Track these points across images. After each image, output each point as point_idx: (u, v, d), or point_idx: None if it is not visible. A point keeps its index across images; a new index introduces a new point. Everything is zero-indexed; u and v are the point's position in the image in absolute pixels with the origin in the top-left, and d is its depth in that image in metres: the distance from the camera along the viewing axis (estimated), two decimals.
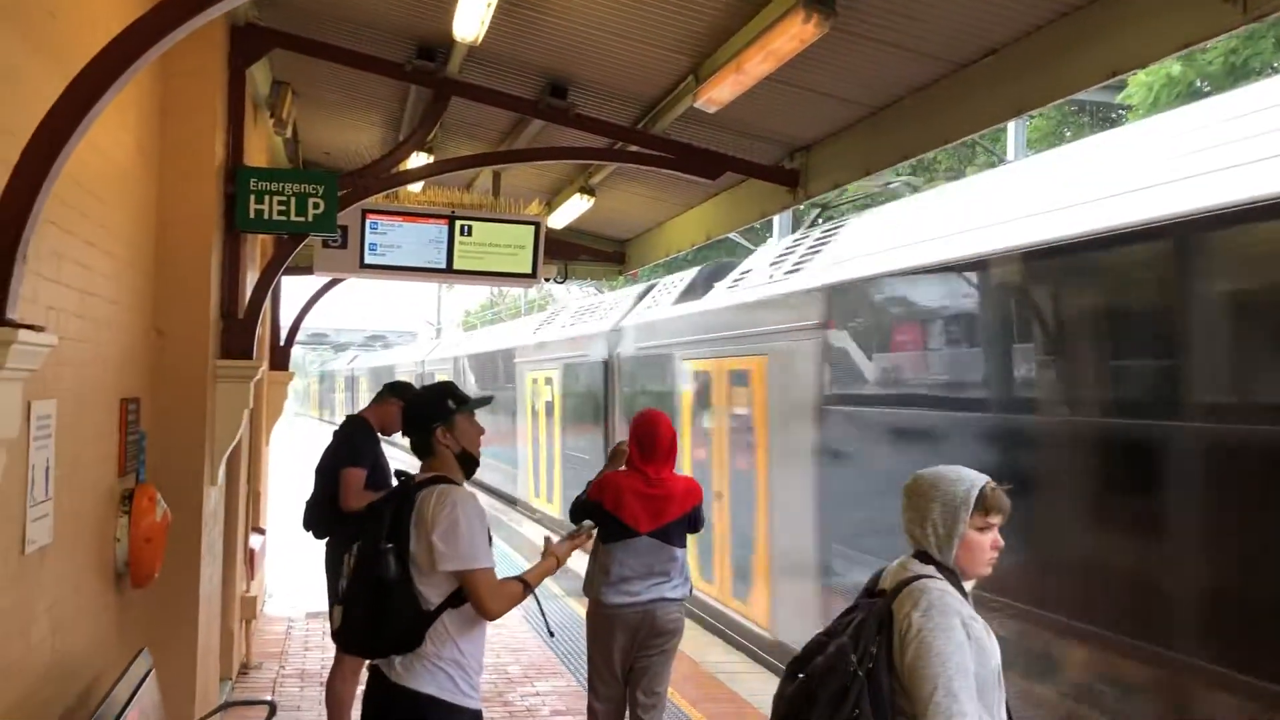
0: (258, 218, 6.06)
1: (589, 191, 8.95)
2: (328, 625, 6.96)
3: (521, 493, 20.03)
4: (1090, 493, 5.58)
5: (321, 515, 6.61)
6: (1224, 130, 5.25)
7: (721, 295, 10.45)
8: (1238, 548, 4.74)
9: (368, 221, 7.35)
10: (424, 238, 7.43)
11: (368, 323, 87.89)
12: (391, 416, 6.69)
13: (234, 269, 6.20)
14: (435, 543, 3.83)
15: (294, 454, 23.34)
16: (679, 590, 5.75)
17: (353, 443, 6.58)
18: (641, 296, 14.42)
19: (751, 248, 24.17)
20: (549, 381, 17.88)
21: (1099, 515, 5.51)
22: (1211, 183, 4.98)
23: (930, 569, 3.28)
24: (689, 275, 12.40)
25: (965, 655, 3.09)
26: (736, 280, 10.45)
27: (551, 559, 4.37)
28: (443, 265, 7.44)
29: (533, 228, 7.94)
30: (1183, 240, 5.05)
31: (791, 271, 9.16)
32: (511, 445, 20.50)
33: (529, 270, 8.05)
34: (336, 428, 6.89)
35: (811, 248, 9.25)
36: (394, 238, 7.35)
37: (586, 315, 16.84)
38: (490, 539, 4.00)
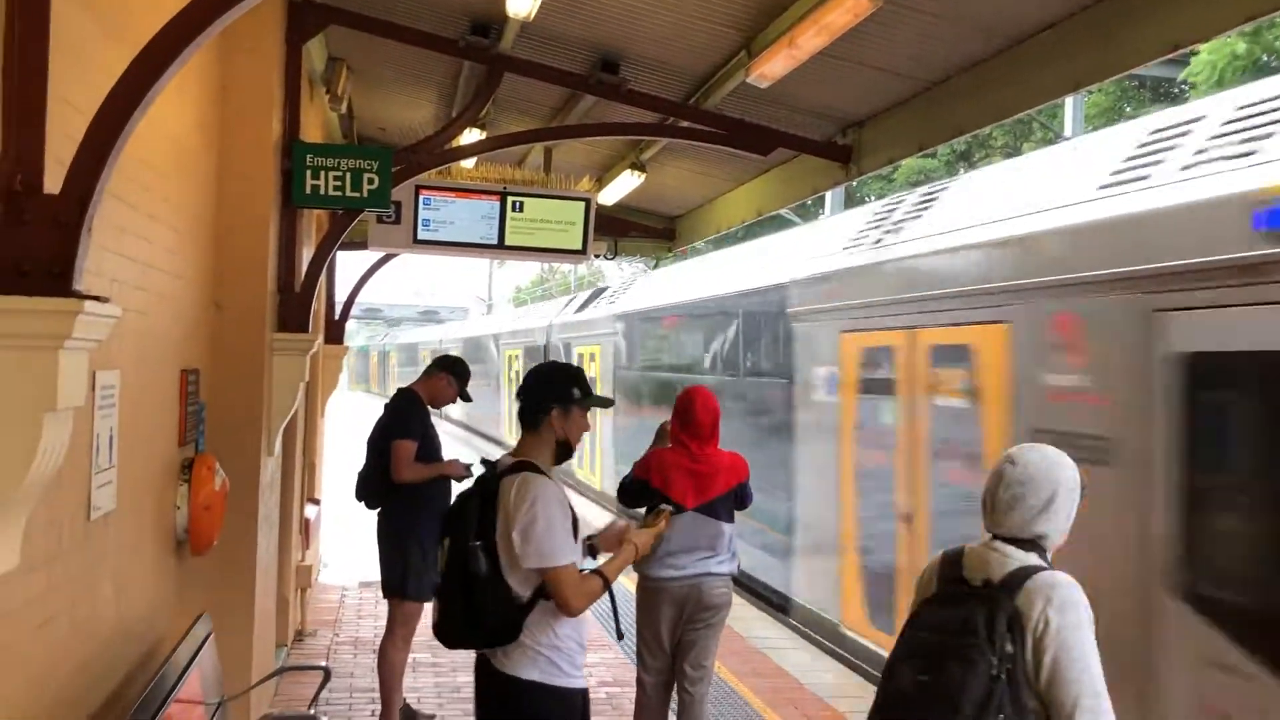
0: (314, 193, 6.14)
1: (640, 168, 8.97)
2: (379, 594, 7.06)
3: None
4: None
5: (373, 487, 6.71)
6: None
7: (587, 311, 19.60)
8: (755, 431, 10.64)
9: (421, 197, 7.43)
10: (476, 214, 7.50)
11: (420, 298, 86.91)
12: (440, 390, 6.80)
13: (290, 244, 6.28)
14: (515, 539, 3.79)
15: (347, 426, 23.53)
16: (726, 565, 5.80)
17: (403, 416, 6.68)
18: (567, 304, 23.00)
19: (800, 223, 24.74)
20: (516, 358, 26.26)
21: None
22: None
23: (1035, 557, 3.11)
24: (585, 295, 21.74)
25: (1097, 653, 2.99)
26: (596, 302, 19.59)
27: (630, 548, 4.22)
28: (494, 241, 7.52)
29: (583, 204, 7.98)
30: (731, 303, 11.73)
31: (610, 302, 18.42)
32: (494, 409, 29.03)
33: (579, 246, 8.10)
34: (387, 401, 6.99)
35: (616, 291, 18.81)
36: (447, 213, 7.44)
37: (534, 313, 26.74)
38: (576, 527, 3.94)
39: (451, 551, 3.87)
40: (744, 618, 10.04)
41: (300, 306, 6.23)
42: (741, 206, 9.28)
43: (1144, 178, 5.91)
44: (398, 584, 6.72)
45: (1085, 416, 5.85)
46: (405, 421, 6.62)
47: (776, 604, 10.43)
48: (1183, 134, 5.98)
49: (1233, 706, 4.88)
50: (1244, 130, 5.49)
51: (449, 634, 3.93)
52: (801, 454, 9.76)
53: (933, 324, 7.53)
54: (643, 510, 5.67)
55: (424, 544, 6.61)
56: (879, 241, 8.59)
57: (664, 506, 4.82)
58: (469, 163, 8.33)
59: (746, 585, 11.02)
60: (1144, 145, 6.25)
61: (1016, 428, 6.50)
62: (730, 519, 5.85)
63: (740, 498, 5.88)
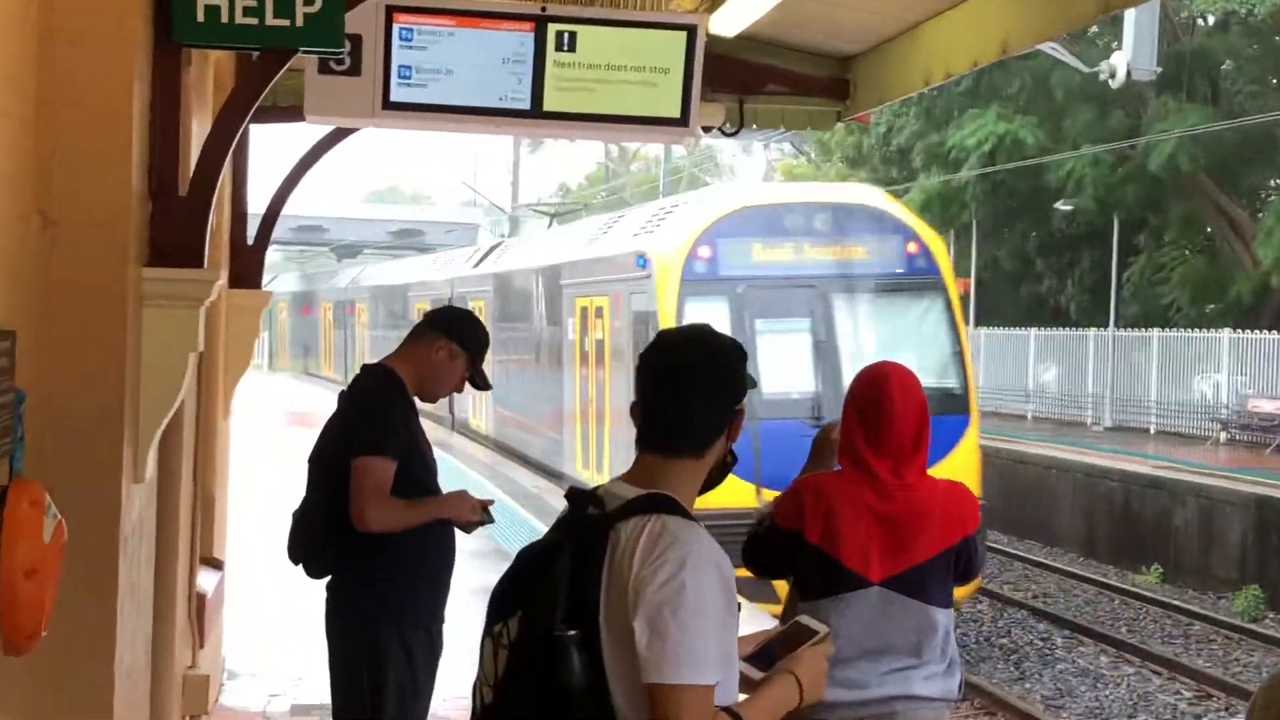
0: (210, 22, 3.51)
1: None
2: None
3: None
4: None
5: (319, 540, 4.15)
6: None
7: (476, 266, 25.27)
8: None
9: (396, 27, 4.42)
10: (493, 55, 4.54)
11: (396, 210, 63.16)
12: (437, 368, 4.24)
13: (170, 114, 3.70)
14: (640, 630, 2.30)
15: (274, 433, 18.15)
16: (938, 684, 3.42)
17: (371, 415, 4.11)
18: (474, 256, 27.13)
19: (1083, 68, 23.23)
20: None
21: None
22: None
23: None
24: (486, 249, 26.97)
25: None
26: (483, 259, 25.48)
27: (788, 682, 2.48)
28: (525, 104, 4.55)
29: (683, 36, 4.78)
30: (536, 275, 20.27)
31: (477, 265, 25.39)
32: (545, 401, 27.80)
33: (676, 113, 4.85)
34: (345, 389, 4.38)
35: (485, 254, 25.81)
36: (441, 55, 4.52)
37: (446, 264, 30.02)
38: (737, 621, 2.40)
39: (518, 650, 2.35)
40: None
41: (188, 222, 3.67)
42: (974, 37, 5.18)
43: (605, 236, 17.58)
44: (364, 715, 4.10)
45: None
46: (375, 425, 4.07)
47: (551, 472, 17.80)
48: (620, 220, 17.96)
49: None
50: (645, 220, 16.51)
51: None
52: (566, 372, 17.89)
53: (586, 293, 16.98)
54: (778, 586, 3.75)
55: (408, 644, 4.09)
56: (594, 240, 18.23)
57: (812, 626, 2.63)
58: None
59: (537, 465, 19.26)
60: (606, 224, 18.29)
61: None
62: (947, 601, 3.46)
63: (964, 563, 3.49)
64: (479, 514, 4.12)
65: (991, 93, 30.40)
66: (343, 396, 4.26)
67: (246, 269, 5.59)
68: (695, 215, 15.41)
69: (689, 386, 2.43)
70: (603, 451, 16.64)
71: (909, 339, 14.68)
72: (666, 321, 14.47)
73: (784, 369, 14.38)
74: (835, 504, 3.44)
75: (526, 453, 20.25)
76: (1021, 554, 18.77)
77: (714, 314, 13.95)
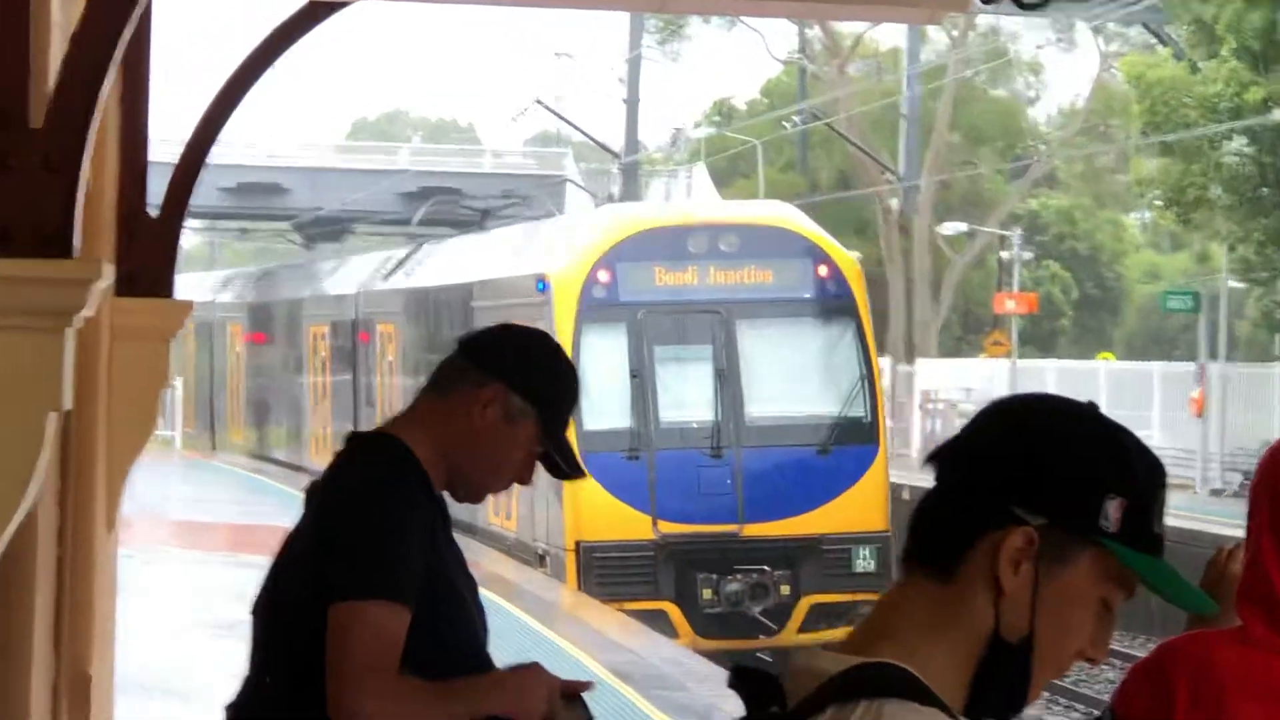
0: None
1: None
2: None
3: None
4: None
5: None
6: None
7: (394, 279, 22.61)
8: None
9: None
10: None
11: (409, 157, 32.45)
12: (480, 438, 2.56)
13: None
14: None
15: (190, 566, 12.06)
16: None
17: (371, 525, 2.43)
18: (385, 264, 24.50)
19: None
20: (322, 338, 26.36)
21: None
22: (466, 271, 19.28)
23: None
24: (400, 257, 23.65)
25: None
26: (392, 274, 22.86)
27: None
28: None
29: None
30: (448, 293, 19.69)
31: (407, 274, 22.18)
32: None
33: None
34: (318, 478, 2.62)
35: (398, 263, 23.19)
36: None
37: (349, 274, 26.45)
38: None
39: None
40: None
41: (43, 175, 2.02)
42: None
43: (518, 251, 18.28)
44: None
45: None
46: (374, 545, 2.40)
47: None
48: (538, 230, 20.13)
49: None
50: (530, 244, 18.29)
51: None
52: None
53: (493, 318, 13.26)
54: None
55: None
56: (508, 256, 18.56)
57: None
58: None
59: None
60: (527, 234, 19.77)
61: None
62: None
63: None
64: (564, 710, 2.41)
65: None
66: (314, 492, 2.56)
67: (149, 260, 3.47)
68: (596, 235, 15.22)
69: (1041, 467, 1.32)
70: None
71: (816, 366, 14.76)
72: (565, 350, 14.80)
73: (683, 397, 14.53)
74: (1231, 689, 1.95)
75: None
76: None
77: (613, 340, 14.37)
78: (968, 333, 39.48)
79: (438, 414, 2.56)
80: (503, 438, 2.54)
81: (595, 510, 14.27)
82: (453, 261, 20.80)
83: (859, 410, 14.22)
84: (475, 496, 2.63)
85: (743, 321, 14.48)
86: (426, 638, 2.36)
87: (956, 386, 27.93)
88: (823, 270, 14.75)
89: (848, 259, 15.31)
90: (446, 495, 2.56)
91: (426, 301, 20.28)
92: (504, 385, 2.54)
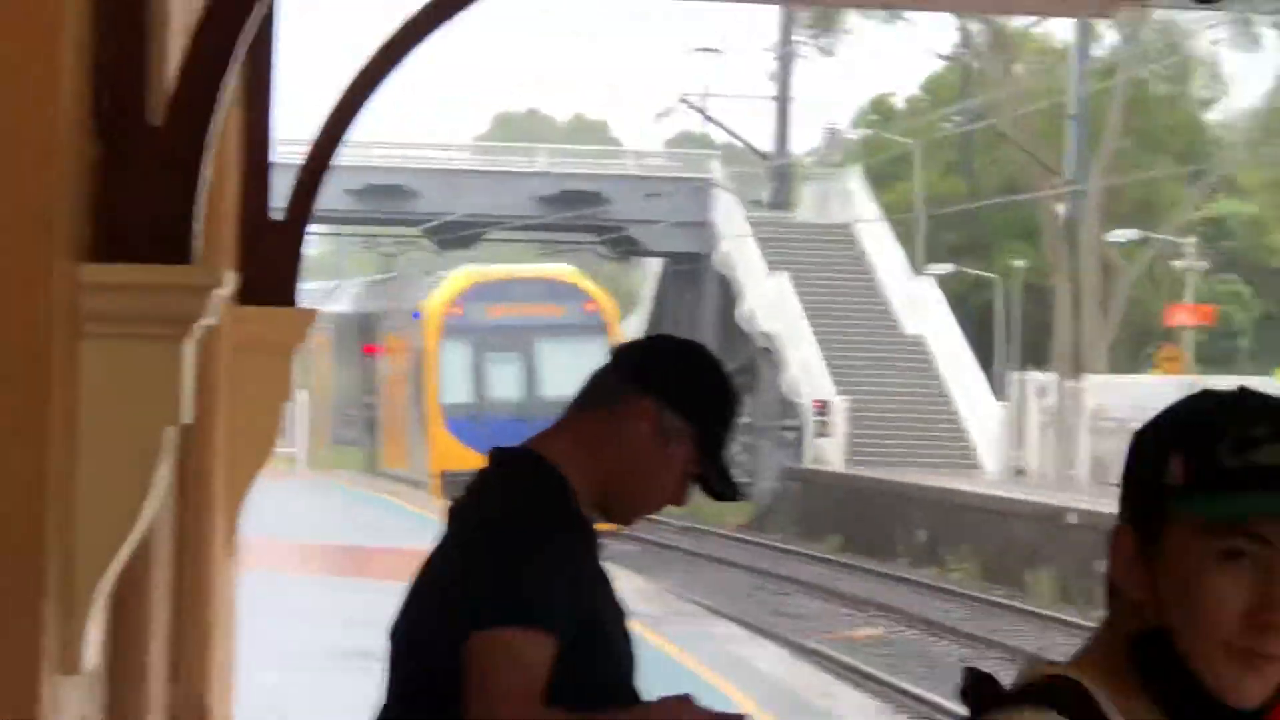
0: None
1: None
2: None
3: None
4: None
5: None
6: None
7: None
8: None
9: None
10: None
11: (558, 160, 31.00)
12: (636, 457, 2.41)
13: None
14: None
15: (314, 590, 11.27)
16: None
17: (516, 550, 2.30)
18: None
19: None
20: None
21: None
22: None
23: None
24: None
25: None
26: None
27: None
28: None
29: None
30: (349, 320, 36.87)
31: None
32: None
33: None
34: (459, 497, 2.48)
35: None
36: None
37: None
38: None
39: None
40: None
41: (165, 178, 1.97)
42: None
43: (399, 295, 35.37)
44: None
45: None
46: (519, 569, 2.27)
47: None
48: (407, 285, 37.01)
49: None
50: (411, 289, 34.65)
51: None
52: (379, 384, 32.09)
53: (390, 330, 32.26)
54: None
55: None
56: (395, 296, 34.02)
57: None
58: None
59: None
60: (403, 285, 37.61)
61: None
62: None
63: None
64: None
65: None
66: (456, 513, 2.43)
67: (271, 267, 3.50)
68: (451, 284, 27.21)
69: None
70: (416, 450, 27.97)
71: (580, 364, 22.99)
72: (431, 355, 26.48)
73: (503, 383, 25.83)
74: None
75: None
76: None
77: (462, 349, 26.19)
78: (1140, 347, 37.61)
79: (587, 431, 2.43)
80: (656, 458, 2.40)
81: (450, 452, 24.75)
82: (367, 296, 36.40)
83: None
84: (627, 519, 2.49)
85: (538, 338, 25.59)
86: (574, 666, 2.24)
87: (1129, 404, 26.36)
88: (589, 307, 26.01)
89: (608, 301, 26.95)
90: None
91: (351, 322, 34.38)
92: (657, 402, 2.40)
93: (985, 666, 1.50)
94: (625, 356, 2.57)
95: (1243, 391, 1.31)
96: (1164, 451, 1.28)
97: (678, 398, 2.41)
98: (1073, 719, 1.26)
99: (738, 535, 25.06)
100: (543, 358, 25.22)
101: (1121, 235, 30.32)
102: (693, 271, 31.24)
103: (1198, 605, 1.26)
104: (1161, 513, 1.27)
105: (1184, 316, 28.66)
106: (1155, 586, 1.28)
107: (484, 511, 2.38)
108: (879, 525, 22.25)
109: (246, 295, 3.46)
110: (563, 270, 28.11)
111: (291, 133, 3.63)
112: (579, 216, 31.27)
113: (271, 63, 3.45)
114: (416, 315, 27.23)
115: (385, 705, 2.41)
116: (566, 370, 20.09)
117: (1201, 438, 1.26)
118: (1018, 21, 30.51)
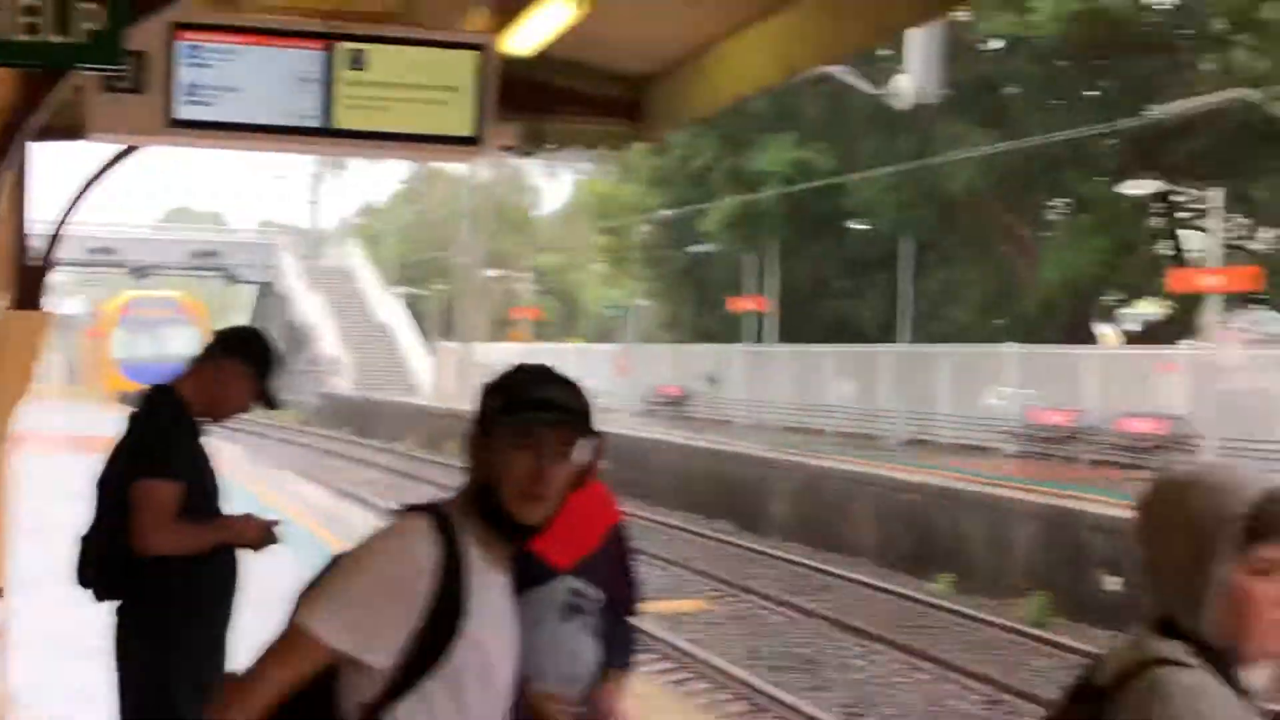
0: None
1: None
2: None
3: None
4: None
5: (107, 563, 4.08)
6: None
7: None
8: None
9: (180, 45, 4.14)
10: (283, 73, 4.26)
11: (192, 229, 66.41)
12: (226, 387, 4.24)
13: None
14: None
15: (60, 460, 16.18)
16: None
17: (154, 436, 4.10)
18: None
19: (870, 90, 24.22)
20: None
21: None
22: None
23: (1176, 646, 2.03)
24: None
25: None
26: None
27: None
28: (316, 122, 4.26)
29: (474, 55, 4.57)
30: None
31: None
32: None
33: (469, 130, 4.59)
34: (133, 410, 4.33)
35: None
36: (230, 73, 4.19)
37: None
38: None
39: None
40: None
41: None
42: (760, 59, 4.98)
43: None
44: None
45: None
46: (156, 447, 4.07)
47: None
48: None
49: None
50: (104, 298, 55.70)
51: None
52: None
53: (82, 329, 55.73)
54: None
55: (196, 665, 3.99)
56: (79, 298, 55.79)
57: None
58: None
59: None
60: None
61: None
62: None
63: None
64: (266, 535, 4.20)
65: (788, 116, 30.95)
66: (131, 416, 4.23)
67: (27, 287, 5.34)
68: (122, 299, 49.56)
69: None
70: None
71: (179, 339, 39.64)
72: (109, 333, 47.88)
73: (143, 348, 43.19)
74: None
75: None
76: (820, 566, 18.99)
77: (125, 330, 46.65)
78: (503, 328, 55.76)
79: (196, 374, 4.27)
80: (233, 387, 4.29)
81: (120, 383, 40.51)
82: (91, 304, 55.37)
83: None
84: (221, 420, 4.31)
85: (159, 324, 45.14)
86: (189, 498, 4.04)
87: (494, 358, 36.43)
88: (184, 311, 46.50)
89: (198, 306, 48.32)
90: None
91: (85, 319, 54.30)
92: (236, 358, 4.30)
93: (411, 499, 2.95)
94: (221, 335, 4.39)
95: (537, 366, 2.42)
96: (495, 392, 2.37)
97: (247, 355, 4.24)
98: (438, 526, 2.30)
99: (296, 428, 42.33)
100: (160, 334, 43.57)
101: (494, 272, 52.61)
102: (269, 293, 55.53)
103: (506, 471, 2.31)
104: (493, 422, 2.34)
105: (525, 313, 51.22)
106: (488, 462, 2.33)
107: (142, 413, 4.18)
108: (368, 420, 42.23)
109: (19, 304, 5.34)
110: (173, 292, 49.77)
111: (43, 213, 5.68)
112: (210, 262, 56.65)
113: (26, 174, 4.99)
114: (96, 314, 52.75)
115: (92, 525, 4.15)
116: (172, 340, 40.36)
117: (512, 386, 2.37)
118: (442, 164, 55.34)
